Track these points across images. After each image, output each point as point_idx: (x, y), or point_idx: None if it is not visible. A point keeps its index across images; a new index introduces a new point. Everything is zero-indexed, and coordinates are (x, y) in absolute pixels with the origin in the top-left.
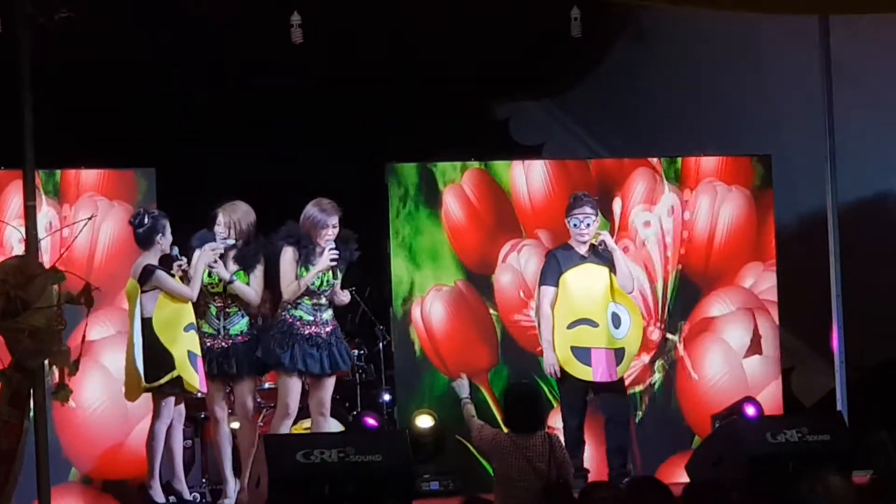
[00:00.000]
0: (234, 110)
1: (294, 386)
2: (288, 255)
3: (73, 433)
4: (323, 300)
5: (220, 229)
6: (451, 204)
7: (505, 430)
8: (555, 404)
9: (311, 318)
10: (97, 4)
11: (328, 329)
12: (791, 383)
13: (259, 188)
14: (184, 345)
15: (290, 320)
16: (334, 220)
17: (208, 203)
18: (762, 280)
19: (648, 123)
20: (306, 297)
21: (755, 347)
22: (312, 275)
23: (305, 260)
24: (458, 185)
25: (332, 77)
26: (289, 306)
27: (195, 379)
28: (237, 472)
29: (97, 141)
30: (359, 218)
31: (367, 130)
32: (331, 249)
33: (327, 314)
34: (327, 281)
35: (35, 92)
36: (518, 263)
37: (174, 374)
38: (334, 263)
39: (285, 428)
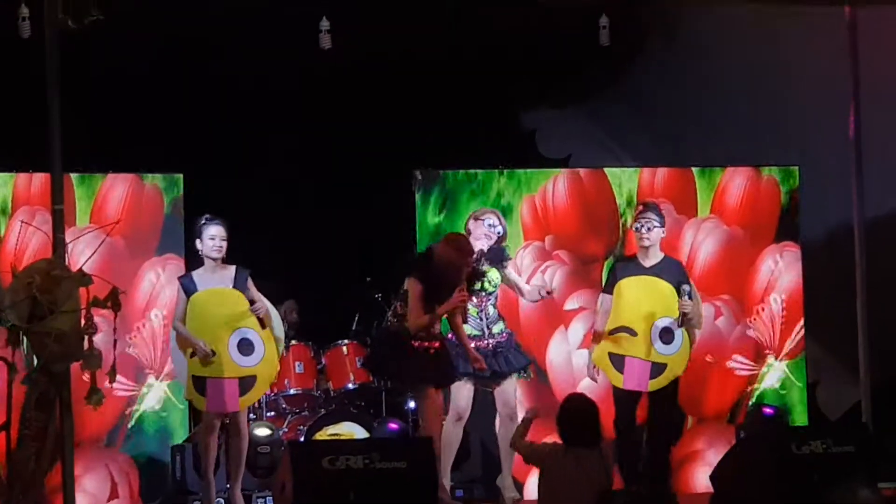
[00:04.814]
0: (262, 115)
1: (463, 388)
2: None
3: None
4: (492, 312)
5: None
6: (525, 209)
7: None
8: None
9: (479, 333)
10: (126, 9)
11: (493, 342)
12: (816, 396)
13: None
14: (189, 368)
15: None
16: None
17: (236, 209)
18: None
19: (675, 134)
20: (473, 309)
21: (586, 341)
22: (471, 351)
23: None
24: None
25: (360, 84)
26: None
27: (200, 402)
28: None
29: (125, 146)
30: (384, 225)
31: (393, 138)
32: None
33: (497, 327)
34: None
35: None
36: (519, 258)
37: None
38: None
39: (458, 430)
